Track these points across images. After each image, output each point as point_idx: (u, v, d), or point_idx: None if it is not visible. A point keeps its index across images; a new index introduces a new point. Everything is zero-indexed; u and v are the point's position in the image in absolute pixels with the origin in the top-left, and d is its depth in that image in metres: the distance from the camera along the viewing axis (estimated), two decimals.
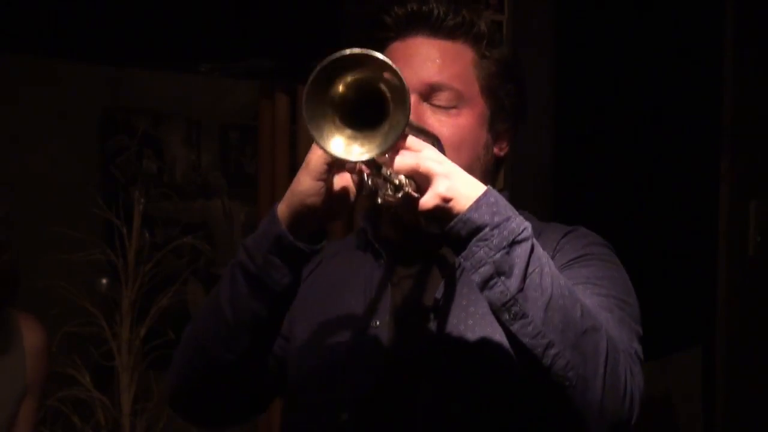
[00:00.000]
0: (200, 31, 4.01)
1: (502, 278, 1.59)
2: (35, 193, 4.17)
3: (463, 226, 1.60)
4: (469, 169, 1.76)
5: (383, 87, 1.54)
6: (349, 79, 1.55)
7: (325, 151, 1.55)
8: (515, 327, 1.59)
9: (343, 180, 1.67)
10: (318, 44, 3.65)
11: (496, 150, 1.91)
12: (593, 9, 3.55)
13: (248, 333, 1.73)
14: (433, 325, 1.81)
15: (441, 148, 1.76)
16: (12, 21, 4.12)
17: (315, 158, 1.64)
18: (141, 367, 3.85)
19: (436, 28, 1.86)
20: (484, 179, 1.80)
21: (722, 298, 3.72)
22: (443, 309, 1.82)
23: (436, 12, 1.86)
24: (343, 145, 1.55)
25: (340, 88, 1.55)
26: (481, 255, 1.59)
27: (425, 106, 1.83)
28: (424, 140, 1.67)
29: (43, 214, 4.06)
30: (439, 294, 1.83)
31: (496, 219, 1.60)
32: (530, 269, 1.60)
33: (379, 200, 1.61)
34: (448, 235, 1.62)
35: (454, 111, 1.84)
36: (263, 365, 1.84)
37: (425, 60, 1.85)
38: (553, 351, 1.59)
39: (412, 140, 1.62)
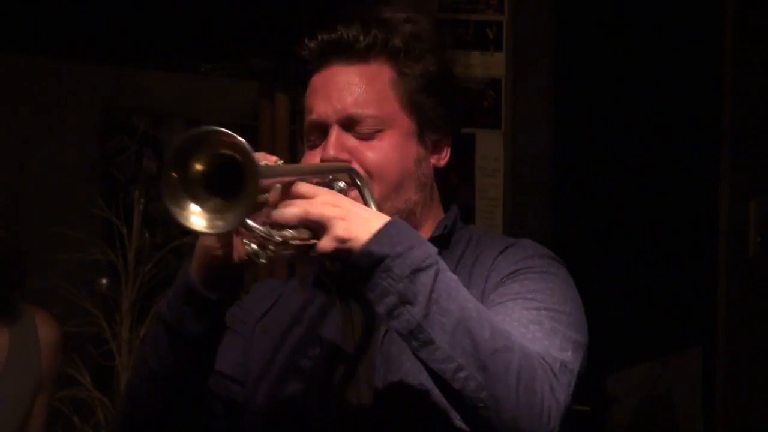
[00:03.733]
0: (200, 31, 4.01)
1: (407, 306, 1.59)
2: (35, 193, 4.17)
3: (364, 259, 1.60)
4: (400, 186, 1.83)
5: (235, 153, 1.55)
6: (203, 157, 1.57)
7: (182, 225, 1.56)
8: (423, 354, 1.60)
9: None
10: None
11: (433, 161, 1.90)
12: (593, 8, 3.55)
13: (171, 381, 1.76)
14: (376, 350, 1.82)
15: (359, 176, 1.77)
16: (12, 21, 4.12)
17: None
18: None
19: (349, 53, 1.85)
20: (419, 193, 1.86)
21: (722, 298, 3.72)
22: (386, 333, 1.82)
23: (345, 37, 1.85)
24: (205, 219, 1.56)
25: (198, 166, 1.57)
26: (384, 286, 1.59)
27: (348, 135, 1.84)
28: (341, 187, 1.72)
29: (43, 214, 4.06)
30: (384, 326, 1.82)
31: (398, 249, 1.60)
32: (435, 295, 1.59)
33: (263, 260, 1.59)
34: (351, 272, 1.62)
35: (377, 135, 1.83)
36: (201, 411, 1.85)
37: (341, 90, 1.84)
38: (462, 374, 1.58)
39: (302, 187, 1.63)
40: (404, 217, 1.80)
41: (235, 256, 1.66)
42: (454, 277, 1.65)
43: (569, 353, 1.71)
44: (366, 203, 1.75)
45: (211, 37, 4.00)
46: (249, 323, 1.93)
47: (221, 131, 1.55)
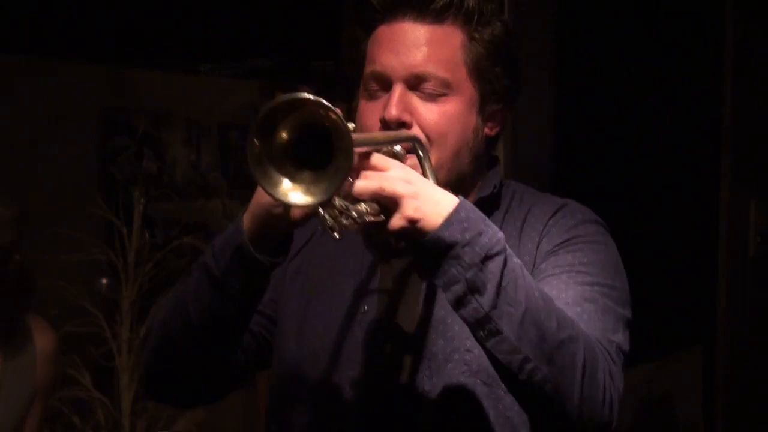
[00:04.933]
0: (200, 31, 4.02)
1: (476, 296, 1.57)
2: (35, 194, 4.17)
3: (433, 245, 1.57)
4: (458, 155, 1.80)
5: (327, 124, 1.49)
6: (292, 122, 1.51)
7: (271, 196, 1.52)
8: (490, 344, 1.58)
9: None
10: (318, 44, 3.65)
11: (486, 131, 1.86)
12: (593, 8, 3.55)
13: (212, 333, 1.73)
14: (421, 311, 1.80)
15: (423, 147, 1.74)
16: (12, 21, 4.12)
17: None
18: (141, 367, 3.85)
19: (423, 10, 1.79)
20: (473, 163, 1.83)
21: (722, 298, 3.72)
22: (430, 294, 1.80)
23: None
24: (289, 189, 1.51)
25: (284, 133, 1.51)
26: (453, 273, 1.57)
27: (412, 94, 1.79)
28: (398, 152, 1.68)
29: (42, 214, 4.06)
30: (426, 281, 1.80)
31: (467, 236, 1.57)
32: (504, 283, 1.57)
33: (337, 235, 1.55)
34: (418, 253, 1.59)
35: (442, 99, 1.79)
36: (234, 350, 1.82)
37: (411, 47, 1.79)
38: (529, 366, 1.58)
39: (377, 159, 1.59)
40: (457, 184, 1.78)
41: (294, 215, 1.61)
42: (519, 262, 1.63)
43: (620, 333, 1.73)
44: (425, 174, 1.71)
45: (211, 37, 4.00)
46: None
47: (316, 101, 1.48)
